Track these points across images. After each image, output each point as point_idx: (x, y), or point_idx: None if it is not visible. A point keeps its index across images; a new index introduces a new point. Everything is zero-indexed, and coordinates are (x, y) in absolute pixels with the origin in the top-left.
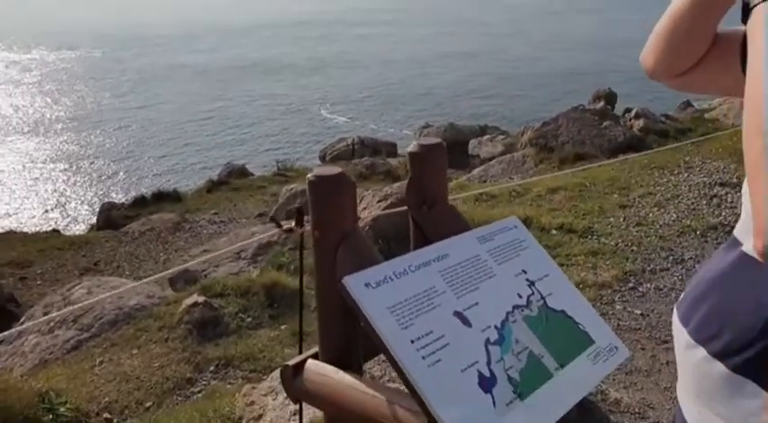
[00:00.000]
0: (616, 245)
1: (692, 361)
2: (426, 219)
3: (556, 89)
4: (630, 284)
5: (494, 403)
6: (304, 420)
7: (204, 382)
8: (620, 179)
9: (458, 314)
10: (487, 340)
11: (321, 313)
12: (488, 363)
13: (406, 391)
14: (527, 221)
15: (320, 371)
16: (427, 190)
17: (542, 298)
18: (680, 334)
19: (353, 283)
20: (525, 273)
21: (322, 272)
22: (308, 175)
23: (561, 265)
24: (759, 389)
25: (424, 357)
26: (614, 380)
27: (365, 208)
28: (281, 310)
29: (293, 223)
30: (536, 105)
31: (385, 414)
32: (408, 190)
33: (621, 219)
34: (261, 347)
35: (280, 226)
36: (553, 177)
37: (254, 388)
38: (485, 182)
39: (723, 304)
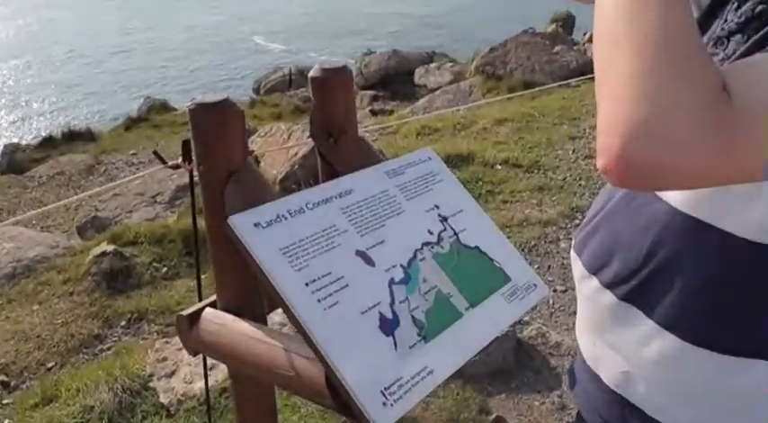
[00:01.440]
0: (564, 179)
1: (585, 293)
2: (333, 152)
3: (512, 13)
4: (577, 221)
5: (395, 346)
6: (219, 373)
7: (114, 339)
8: (570, 109)
9: (360, 254)
10: (392, 280)
11: (214, 257)
12: (392, 304)
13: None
14: (471, 156)
15: (217, 320)
16: (333, 120)
17: (455, 234)
18: (576, 265)
19: (241, 223)
20: (437, 208)
21: (210, 212)
22: (187, 104)
23: (505, 202)
24: (644, 317)
25: (319, 300)
26: (556, 322)
27: (295, 145)
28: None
29: (180, 159)
30: (491, 32)
31: (282, 364)
32: (312, 120)
33: (571, 151)
34: (178, 299)
35: (164, 162)
36: (501, 108)
37: (167, 343)
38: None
39: (613, 234)
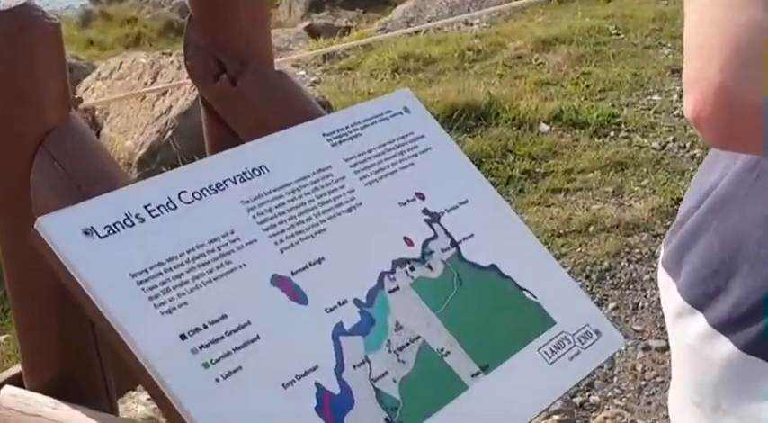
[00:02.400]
0: (663, 148)
1: (684, 339)
2: (229, 102)
3: None
4: None
5: None
6: None
7: None
8: (673, 20)
9: (281, 282)
10: (338, 327)
11: (14, 296)
12: (338, 369)
13: None
14: (492, 108)
15: (23, 406)
16: (227, 44)
17: (454, 245)
18: (668, 292)
19: (58, 229)
20: (422, 199)
21: (4, 210)
22: None
23: (554, 191)
24: None
25: (206, 365)
26: (649, 404)
27: (168, 93)
28: None
29: None
30: None
31: None
32: (190, 45)
33: (675, 97)
34: None
35: None
36: (548, 18)
37: None
38: (417, 33)
39: (728, 238)
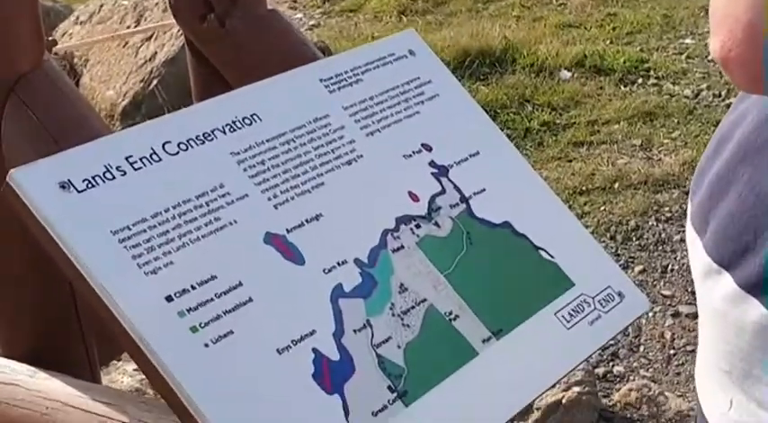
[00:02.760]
0: (695, 96)
1: (711, 303)
2: (217, 45)
3: None
4: None
5: (345, 412)
6: None
7: None
8: None
9: (275, 240)
10: (338, 289)
11: None
12: (337, 334)
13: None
14: (508, 52)
15: None
16: None
17: (463, 200)
18: (694, 250)
19: (33, 182)
20: (428, 150)
21: None
22: None
23: (576, 144)
24: None
25: (194, 329)
26: (678, 374)
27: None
28: None
29: None
30: None
31: None
32: None
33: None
34: None
35: None
36: None
37: None
38: None
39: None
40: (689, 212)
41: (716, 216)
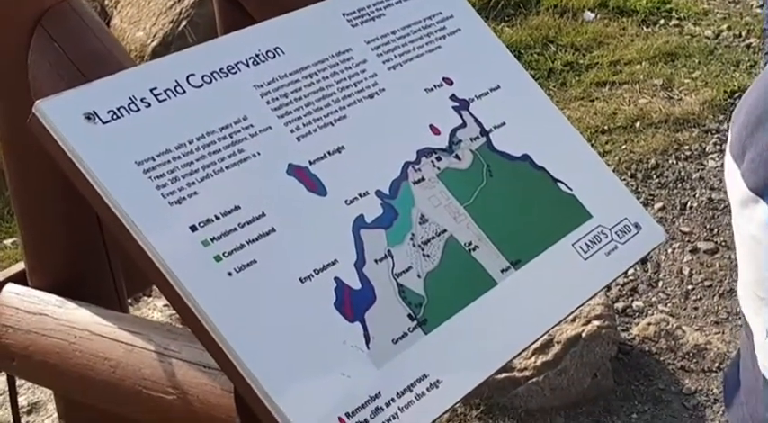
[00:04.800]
0: (716, 37)
1: (749, 230)
2: None
3: None
4: None
5: (366, 339)
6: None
7: None
8: None
9: (298, 172)
10: (359, 220)
11: (14, 187)
12: (359, 263)
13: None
14: None
15: (27, 305)
16: None
17: (484, 134)
18: (732, 179)
19: (58, 112)
20: (449, 84)
21: (2, 96)
22: None
23: (599, 84)
24: None
25: (218, 258)
26: (695, 309)
27: None
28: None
29: None
30: None
31: (154, 379)
32: None
33: None
34: None
35: None
36: None
37: None
38: None
39: None
40: (728, 142)
41: (753, 144)
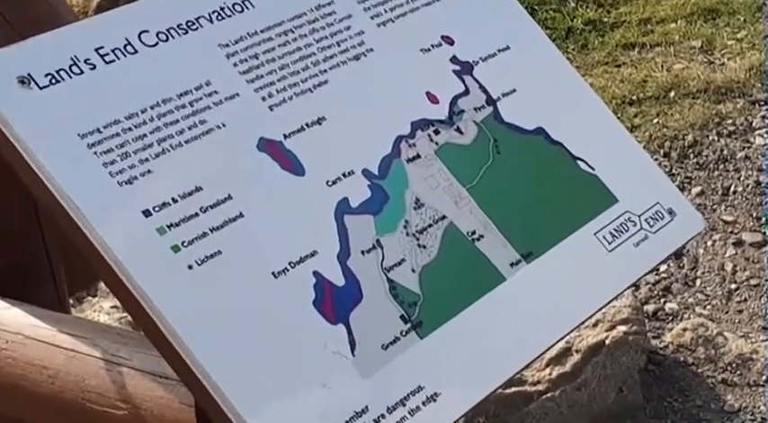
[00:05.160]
0: None
1: None
2: None
3: None
4: None
5: (351, 344)
6: None
7: None
8: None
9: (270, 147)
10: (343, 204)
11: None
12: (342, 255)
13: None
14: None
15: None
16: None
17: (490, 103)
18: None
19: None
20: (450, 43)
21: None
22: None
23: (626, 46)
24: None
25: (177, 249)
26: (739, 312)
27: None
28: None
29: None
30: None
31: (101, 391)
32: None
33: None
34: None
35: None
36: None
37: None
38: None
39: None
40: None
41: None
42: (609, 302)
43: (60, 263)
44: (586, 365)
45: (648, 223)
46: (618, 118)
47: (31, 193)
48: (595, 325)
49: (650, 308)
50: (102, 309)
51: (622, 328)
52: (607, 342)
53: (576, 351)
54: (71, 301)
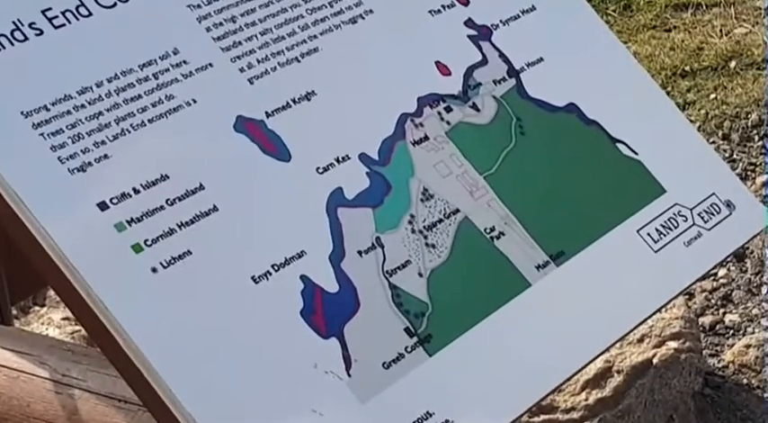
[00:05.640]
0: None
1: None
2: None
3: None
4: None
5: (346, 361)
6: None
7: None
8: None
9: (249, 127)
10: (336, 195)
11: None
12: (335, 256)
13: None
14: None
15: None
16: None
17: (512, 74)
18: None
19: None
20: (464, 4)
21: None
22: None
23: (679, 6)
24: None
25: (138, 249)
26: None
27: None
28: None
29: None
30: None
31: (53, 419)
32: None
33: None
34: None
35: None
36: None
37: None
38: None
39: None
40: None
41: None
42: (656, 313)
43: (0, 265)
44: (630, 389)
45: (702, 218)
46: (667, 93)
47: None
48: (641, 340)
49: (706, 320)
50: (52, 321)
51: (673, 345)
52: (655, 361)
53: (618, 371)
54: (14, 312)
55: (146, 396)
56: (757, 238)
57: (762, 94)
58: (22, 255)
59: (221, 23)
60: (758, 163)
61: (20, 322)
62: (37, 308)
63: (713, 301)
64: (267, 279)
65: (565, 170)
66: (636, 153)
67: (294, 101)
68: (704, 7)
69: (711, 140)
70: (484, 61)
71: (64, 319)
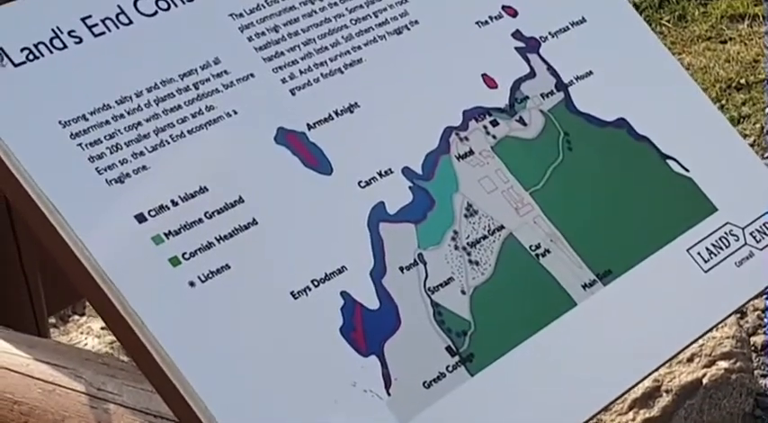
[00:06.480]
0: None
1: None
2: None
3: None
4: None
5: (387, 382)
6: None
7: None
8: None
9: (291, 139)
10: (378, 210)
11: None
12: (377, 272)
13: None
14: None
15: None
16: None
17: (561, 88)
18: None
19: None
20: (513, 15)
21: None
22: None
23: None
24: None
25: (176, 262)
26: None
27: None
28: None
29: None
30: None
31: None
32: None
33: None
34: None
35: None
36: None
37: None
38: None
39: None
40: None
41: None
42: (706, 332)
43: (38, 277)
44: (679, 409)
45: (755, 238)
46: (721, 106)
47: (2, 194)
48: (690, 360)
49: (758, 340)
50: (92, 330)
51: (724, 365)
52: (704, 381)
53: (667, 391)
54: (53, 321)
55: (181, 412)
56: None
57: None
58: (57, 266)
59: (263, 33)
60: None
61: (59, 331)
62: (76, 317)
63: (766, 320)
64: (306, 295)
65: (613, 187)
66: (687, 170)
67: (337, 113)
68: (761, 18)
69: (765, 157)
70: (531, 74)
71: (103, 328)
